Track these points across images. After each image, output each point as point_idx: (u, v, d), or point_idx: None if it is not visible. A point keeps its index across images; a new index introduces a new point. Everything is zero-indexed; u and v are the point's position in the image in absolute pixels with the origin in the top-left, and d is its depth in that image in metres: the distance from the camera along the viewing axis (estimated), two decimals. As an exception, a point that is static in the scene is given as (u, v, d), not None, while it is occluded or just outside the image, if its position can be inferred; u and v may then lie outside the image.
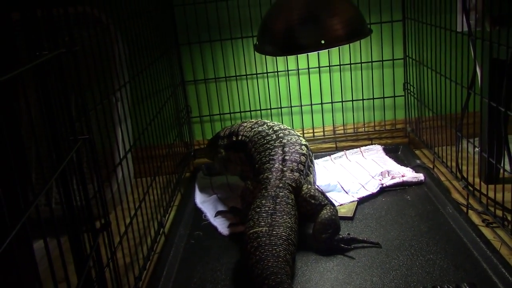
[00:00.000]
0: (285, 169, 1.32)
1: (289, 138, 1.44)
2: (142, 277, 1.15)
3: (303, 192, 1.28)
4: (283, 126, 1.54)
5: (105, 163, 1.28)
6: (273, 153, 1.39)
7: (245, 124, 1.62)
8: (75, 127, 0.69)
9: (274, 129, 1.51)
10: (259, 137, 1.49)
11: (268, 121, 1.60)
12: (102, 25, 1.49)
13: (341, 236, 1.25)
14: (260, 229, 1.14)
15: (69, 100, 0.69)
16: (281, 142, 1.43)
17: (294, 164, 1.34)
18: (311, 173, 1.41)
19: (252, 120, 1.67)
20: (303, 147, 1.42)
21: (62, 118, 0.67)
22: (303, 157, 1.38)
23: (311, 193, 1.28)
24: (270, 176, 1.30)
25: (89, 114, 0.82)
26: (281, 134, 1.47)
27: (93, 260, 0.80)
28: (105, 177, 1.32)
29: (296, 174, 1.31)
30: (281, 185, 1.27)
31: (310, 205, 1.26)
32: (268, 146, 1.43)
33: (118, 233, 1.09)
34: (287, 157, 1.36)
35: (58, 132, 0.64)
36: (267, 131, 1.51)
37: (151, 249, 1.27)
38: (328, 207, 1.25)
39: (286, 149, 1.39)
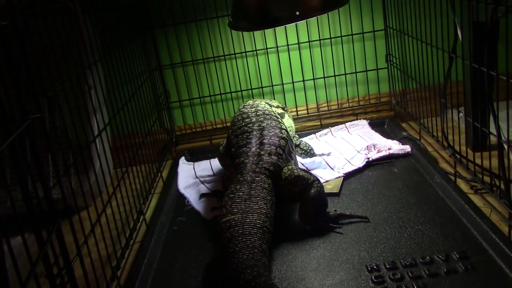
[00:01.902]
0: (262, 152, 1.24)
1: (269, 122, 1.37)
2: (120, 265, 1.11)
3: (285, 175, 1.21)
4: (270, 109, 1.47)
5: (80, 154, 1.24)
6: (250, 136, 1.32)
7: (245, 104, 1.55)
8: (25, 107, 0.65)
9: (258, 113, 1.43)
10: (239, 118, 1.44)
11: (263, 102, 1.53)
12: (68, 8, 1.43)
13: (329, 214, 1.20)
14: (232, 217, 1.05)
15: (17, 78, 0.64)
16: (260, 126, 1.35)
17: (273, 147, 1.26)
18: (292, 159, 1.34)
19: (257, 100, 1.57)
20: (283, 131, 1.35)
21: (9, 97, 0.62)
22: (283, 141, 1.31)
23: (295, 173, 1.21)
24: (246, 160, 1.23)
25: (46, 94, 0.77)
26: (261, 118, 1.39)
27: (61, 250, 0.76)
28: (82, 169, 1.28)
29: (274, 157, 1.24)
30: (257, 169, 1.19)
31: (297, 187, 1.20)
32: (246, 129, 1.36)
33: (100, 225, 1.05)
34: (265, 141, 1.28)
35: (4, 111, 0.59)
36: (249, 113, 1.44)
37: (130, 237, 1.22)
38: (315, 185, 1.19)
39: (265, 132, 1.32)
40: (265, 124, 1.36)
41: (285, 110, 1.60)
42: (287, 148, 1.31)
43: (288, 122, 1.53)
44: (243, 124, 1.39)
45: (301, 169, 1.25)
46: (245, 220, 1.04)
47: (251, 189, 1.13)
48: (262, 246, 1.00)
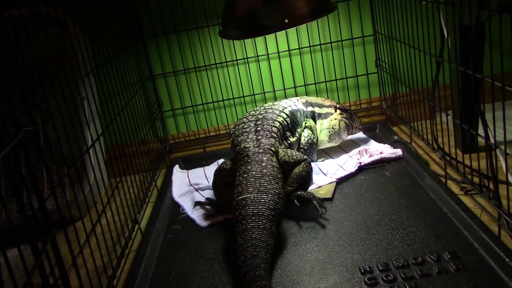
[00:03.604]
0: (259, 137, 1.35)
1: (265, 115, 1.47)
2: (116, 274, 1.12)
3: (280, 155, 1.32)
4: (271, 107, 1.54)
5: (74, 165, 1.25)
6: (245, 126, 1.42)
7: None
8: (18, 119, 0.66)
9: (259, 117, 1.49)
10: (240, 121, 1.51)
11: (269, 105, 1.57)
12: (59, 21, 1.44)
13: (301, 193, 1.29)
14: (248, 195, 1.14)
15: (10, 91, 0.65)
16: (256, 118, 1.46)
17: (267, 132, 1.38)
18: (287, 141, 1.45)
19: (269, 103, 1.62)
20: (276, 122, 1.44)
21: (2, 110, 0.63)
22: (275, 128, 1.41)
23: (289, 153, 1.33)
24: (248, 145, 1.32)
25: (39, 107, 0.78)
26: (260, 116, 1.47)
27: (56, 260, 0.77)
28: (76, 180, 1.29)
29: (272, 140, 1.34)
30: (261, 150, 1.29)
31: (290, 166, 1.31)
32: (242, 120, 1.48)
33: (95, 235, 1.06)
34: (259, 128, 1.39)
35: (-3, 124, 0.60)
36: (251, 112, 1.53)
37: (125, 246, 1.23)
38: (302, 164, 1.31)
39: (259, 122, 1.43)
40: (261, 116, 1.47)
41: (321, 113, 1.63)
42: (279, 134, 1.41)
43: (323, 124, 1.61)
44: (241, 122, 1.48)
45: (295, 153, 1.34)
46: (260, 200, 1.13)
47: (263, 168, 1.22)
48: (272, 228, 1.09)
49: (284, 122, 1.48)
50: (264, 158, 1.26)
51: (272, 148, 1.31)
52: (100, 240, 1.09)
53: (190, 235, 1.32)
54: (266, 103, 1.60)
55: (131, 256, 1.27)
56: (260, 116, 1.46)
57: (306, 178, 1.31)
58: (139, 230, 1.35)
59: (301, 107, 1.59)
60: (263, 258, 1.00)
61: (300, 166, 1.30)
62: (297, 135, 1.52)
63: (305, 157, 1.33)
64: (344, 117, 1.63)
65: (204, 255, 1.20)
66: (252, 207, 1.11)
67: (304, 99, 1.63)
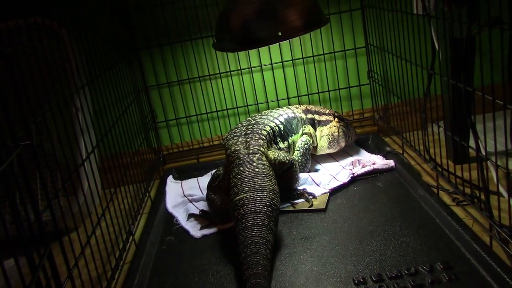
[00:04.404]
0: (249, 139, 1.40)
1: (258, 120, 1.52)
2: (111, 286, 1.12)
3: (271, 157, 1.38)
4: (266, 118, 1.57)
5: (69, 176, 1.25)
6: (237, 131, 1.48)
7: None
8: (15, 133, 0.66)
9: (251, 122, 1.54)
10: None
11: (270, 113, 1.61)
12: (55, 33, 1.45)
13: (296, 191, 1.43)
14: (245, 195, 1.19)
15: (7, 105, 0.65)
16: (249, 123, 1.51)
17: (256, 134, 1.43)
18: (271, 149, 1.47)
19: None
20: (266, 126, 1.49)
21: None
22: (264, 131, 1.46)
23: (278, 158, 1.39)
24: (238, 147, 1.37)
25: (36, 121, 0.78)
26: (253, 121, 1.52)
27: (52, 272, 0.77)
28: (71, 191, 1.29)
29: (260, 141, 1.40)
30: (251, 151, 1.34)
31: (280, 170, 1.39)
32: (236, 126, 1.53)
33: (90, 246, 1.06)
34: (249, 132, 1.45)
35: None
36: (243, 122, 1.57)
37: (120, 257, 1.23)
38: (292, 168, 1.42)
39: (250, 126, 1.48)
40: (253, 122, 1.52)
41: (317, 120, 1.67)
42: (268, 138, 1.46)
43: (323, 131, 1.66)
44: (235, 127, 1.54)
45: (282, 153, 1.42)
46: (256, 198, 1.18)
47: (255, 167, 1.27)
48: (270, 224, 1.13)
49: (276, 128, 1.52)
50: (254, 158, 1.31)
51: (261, 149, 1.36)
52: (95, 251, 1.09)
53: (184, 246, 1.32)
54: (257, 114, 1.63)
55: (125, 268, 1.27)
56: (253, 121, 1.52)
57: (296, 178, 1.44)
58: (133, 241, 1.35)
59: (299, 114, 1.63)
60: (263, 254, 1.05)
61: (290, 171, 1.41)
62: (289, 141, 1.56)
63: (292, 157, 1.43)
64: (342, 125, 1.68)
65: (198, 266, 1.21)
66: (250, 206, 1.16)
67: (304, 106, 1.68)
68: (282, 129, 1.54)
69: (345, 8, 1.85)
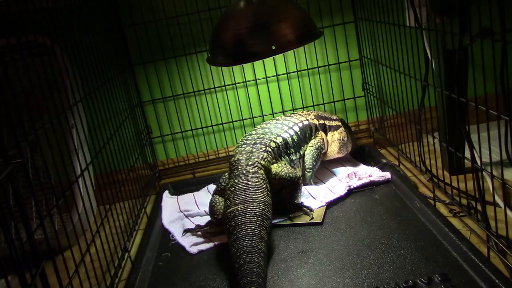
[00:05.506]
0: (254, 150, 1.41)
1: (273, 129, 1.53)
2: (106, 305, 1.10)
3: (274, 172, 1.38)
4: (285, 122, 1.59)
5: (63, 195, 1.24)
6: (249, 138, 1.49)
7: None
8: (6, 152, 0.66)
9: (266, 130, 1.55)
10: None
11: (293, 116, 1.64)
12: (47, 50, 1.45)
13: (297, 202, 1.43)
14: (236, 207, 1.21)
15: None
16: (264, 131, 1.52)
17: (263, 146, 1.43)
18: (282, 160, 1.47)
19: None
20: (278, 138, 1.50)
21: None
22: (273, 143, 1.47)
23: (282, 174, 1.39)
24: (241, 157, 1.39)
25: (28, 138, 0.78)
26: (267, 130, 1.53)
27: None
28: (65, 209, 1.28)
29: (264, 153, 1.40)
30: (250, 163, 1.35)
31: (282, 181, 1.39)
32: (251, 132, 1.54)
33: (84, 264, 1.04)
34: (258, 142, 1.45)
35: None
36: (257, 129, 1.57)
37: (115, 275, 1.22)
38: (296, 181, 1.41)
39: (262, 135, 1.49)
40: (268, 130, 1.53)
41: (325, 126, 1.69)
42: (276, 150, 1.46)
43: (334, 136, 1.68)
44: (249, 133, 1.55)
45: (286, 169, 1.41)
46: (246, 209, 1.20)
47: (248, 180, 1.29)
48: (261, 233, 1.16)
49: (289, 138, 1.53)
50: (250, 171, 1.33)
51: (262, 162, 1.37)
52: (90, 269, 1.08)
53: (180, 262, 1.31)
54: (272, 119, 1.64)
55: (121, 286, 1.26)
56: (267, 130, 1.53)
57: (298, 191, 1.43)
58: (129, 258, 1.34)
59: (312, 121, 1.65)
60: (256, 262, 1.07)
61: (293, 185, 1.40)
62: (301, 152, 1.56)
63: (298, 174, 1.42)
64: (348, 132, 1.72)
65: (194, 282, 1.19)
66: (240, 217, 1.18)
67: (315, 112, 1.70)
68: (295, 139, 1.55)
69: (338, 21, 1.86)
